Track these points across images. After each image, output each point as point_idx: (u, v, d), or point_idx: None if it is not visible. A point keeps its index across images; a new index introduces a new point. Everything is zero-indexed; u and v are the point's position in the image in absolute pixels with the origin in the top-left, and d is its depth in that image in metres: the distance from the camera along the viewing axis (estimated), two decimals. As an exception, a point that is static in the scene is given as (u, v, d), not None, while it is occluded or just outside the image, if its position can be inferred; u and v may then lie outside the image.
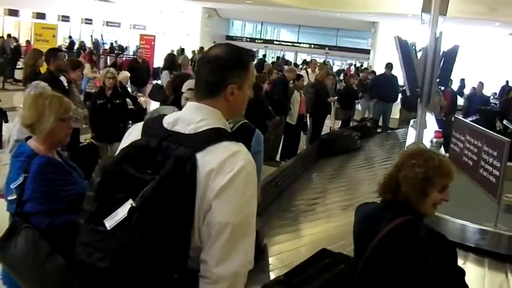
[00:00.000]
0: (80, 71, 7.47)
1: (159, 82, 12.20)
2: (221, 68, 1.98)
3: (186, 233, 1.85)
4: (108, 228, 1.79)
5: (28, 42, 23.03)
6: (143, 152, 1.88)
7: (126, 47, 33.79)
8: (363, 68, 26.72)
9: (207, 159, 1.84)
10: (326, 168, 8.16)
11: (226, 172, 1.83)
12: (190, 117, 1.97)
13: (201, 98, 2.01)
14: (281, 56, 34.80)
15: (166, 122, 1.98)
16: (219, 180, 1.82)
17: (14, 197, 2.93)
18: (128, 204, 1.78)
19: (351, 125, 12.90)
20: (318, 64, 19.23)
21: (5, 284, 3.16)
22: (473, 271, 3.97)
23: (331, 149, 8.91)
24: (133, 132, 2.06)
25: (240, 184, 1.84)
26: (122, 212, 1.78)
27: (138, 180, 1.80)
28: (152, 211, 1.77)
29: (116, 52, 25.49)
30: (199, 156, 1.84)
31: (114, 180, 1.85)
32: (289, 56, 37.13)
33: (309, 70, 15.57)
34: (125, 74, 10.03)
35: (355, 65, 34.49)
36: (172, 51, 20.88)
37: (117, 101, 7.39)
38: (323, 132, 11.30)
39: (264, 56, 31.57)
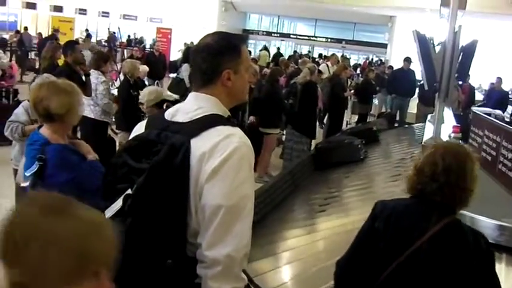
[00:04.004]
0: (108, 64, 7.57)
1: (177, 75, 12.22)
2: (212, 55, 2.00)
3: (180, 218, 1.86)
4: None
5: (40, 34, 22.88)
6: (143, 144, 1.92)
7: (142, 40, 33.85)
8: (378, 63, 26.47)
9: (200, 144, 1.85)
10: (321, 187, 6.89)
11: (218, 155, 1.83)
12: (188, 106, 2.00)
13: (198, 87, 2.03)
14: (298, 50, 34.61)
15: (168, 113, 2.02)
16: (211, 162, 1.83)
17: (27, 183, 2.98)
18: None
19: (368, 119, 12.79)
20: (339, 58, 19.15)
21: None
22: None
23: (329, 159, 7.71)
24: (138, 128, 2.11)
25: (233, 166, 1.83)
26: (120, 201, 1.83)
27: (136, 170, 1.85)
28: (144, 197, 1.80)
29: (133, 45, 25.50)
30: (193, 142, 1.85)
31: (115, 171, 1.92)
32: (306, 50, 36.93)
33: (329, 64, 15.41)
34: (143, 68, 10.07)
35: (372, 59, 34.22)
36: (186, 44, 20.96)
37: None
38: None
39: (278, 49, 31.22)
